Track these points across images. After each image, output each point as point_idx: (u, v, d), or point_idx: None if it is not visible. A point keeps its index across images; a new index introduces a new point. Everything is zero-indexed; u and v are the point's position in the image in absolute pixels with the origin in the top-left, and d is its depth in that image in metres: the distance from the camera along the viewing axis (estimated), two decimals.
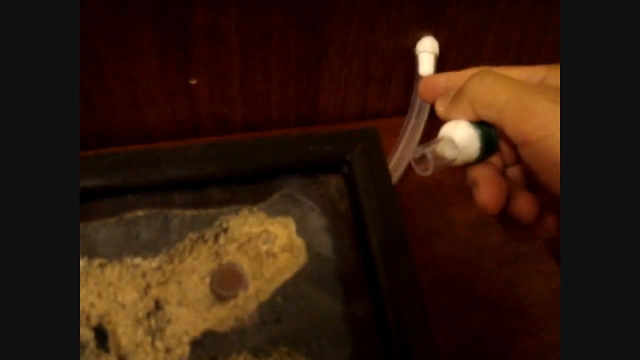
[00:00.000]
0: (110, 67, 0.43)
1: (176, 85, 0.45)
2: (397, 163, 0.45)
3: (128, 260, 0.28)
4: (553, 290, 0.40)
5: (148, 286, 0.28)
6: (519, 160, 0.25)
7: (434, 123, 0.50)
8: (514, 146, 0.23)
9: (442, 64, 0.47)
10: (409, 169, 0.46)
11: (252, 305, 0.27)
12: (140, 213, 0.29)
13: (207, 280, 0.28)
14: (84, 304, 0.28)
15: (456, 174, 0.47)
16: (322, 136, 0.30)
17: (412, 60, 0.47)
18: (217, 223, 0.29)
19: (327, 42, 0.45)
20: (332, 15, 0.43)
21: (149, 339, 0.27)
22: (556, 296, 0.40)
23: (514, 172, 0.27)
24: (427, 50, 0.45)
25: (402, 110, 0.49)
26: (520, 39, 0.49)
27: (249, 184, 0.29)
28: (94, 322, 0.27)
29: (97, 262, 0.28)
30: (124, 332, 0.27)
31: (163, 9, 0.40)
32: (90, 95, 0.44)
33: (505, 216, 0.25)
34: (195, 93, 0.45)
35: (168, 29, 0.41)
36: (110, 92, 0.44)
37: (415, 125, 0.45)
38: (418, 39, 0.46)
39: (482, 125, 0.24)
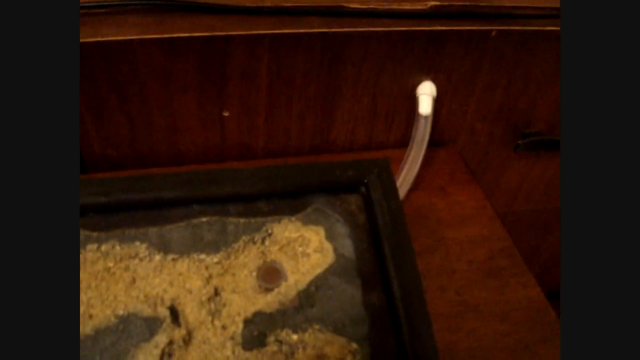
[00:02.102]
0: (155, 98, 0.53)
1: (210, 116, 0.55)
2: (398, 188, 0.56)
3: (195, 255, 0.38)
4: (529, 298, 0.50)
5: (210, 276, 0.38)
6: None
7: (432, 154, 0.61)
8: None
9: (439, 104, 0.59)
10: (409, 194, 0.57)
11: (292, 293, 0.37)
12: (204, 219, 0.39)
13: (255, 273, 0.38)
14: (158, 290, 0.37)
15: (449, 199, 0.58)
16: (346, 164, 0.41)
17: (413, 101, 0.58)
18: (264, 229, 0.39)
19: (342, 83, 0.55)
20: (347, 62, 0.54)
21: (210, 318, 0.37)
22: (532, 303, 0.50)
23: None
24: (426, 92, 0.56)
25: (403, 142, 0.60)
26: (507, 83, 0.60)
27: (289, 199, 0.40)
28: (167, 303, 0.37)
29: (170, 256, 0.38)
30: (191, 312, 0.37)
31: (206, 52, 0.51)
32: (135, 122, 0.55)
33: None
34: (226, 123, 0.56)
35: (209, 68, 0.52)
36: (153, 120, 0.55)
37: (415, 156, 0.56)
38: (419, 82, 0.57)
39: None
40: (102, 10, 0.52)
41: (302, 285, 0.38)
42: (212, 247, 0.38)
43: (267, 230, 0.39)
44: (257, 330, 0.36)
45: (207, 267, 0.38)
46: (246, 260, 0.38)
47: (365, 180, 0.40)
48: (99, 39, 0.49)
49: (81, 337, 0.35)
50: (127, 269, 0.37)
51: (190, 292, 0.37)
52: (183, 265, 0.38)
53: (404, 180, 0.56)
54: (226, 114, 0.55)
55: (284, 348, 0.36)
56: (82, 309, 0.36)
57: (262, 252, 0.39)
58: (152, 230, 0.38)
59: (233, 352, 0.36)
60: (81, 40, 0.48)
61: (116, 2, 0.52)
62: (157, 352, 0.35)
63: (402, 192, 0.56)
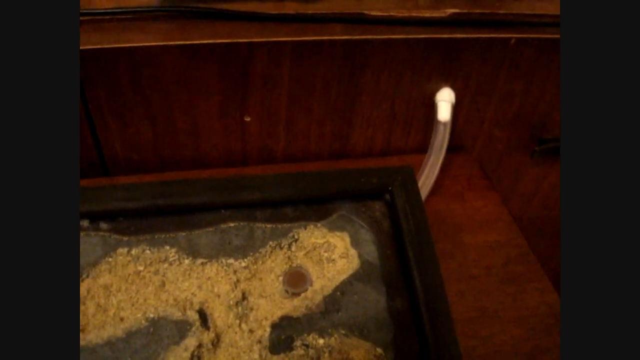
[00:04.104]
0: (178, 103, 0.54)
1: (232, 121, 0.56)
2: None
3: (223, 260, 0.39)
4: (547, 303, 0.51)
5: (238, 281, 0.39)
6: None
7: (450, 160, 0.62)
8: None
9: (458, 111, 0.59)
10: (428, 199, 0.57)
11: (318, 298, 0.38)
12: (232, 224, 0.40)
13: (281, 278, 0.39)
14: (187, 293, 0.38)
15: (466, 205, 0.58)
16: (370, 171, 0.42)
17: (431, 107, 0.59)
18: (290, 234, 0.40)
19: (361, 89, 0.56)
20: (367, 68, 0.55)
21: (238, 322, 0.38)
22: (549, 309, 0.51)
23: None
24: (445, 99, 0.57)
25: (422, 148, 0.61)
26: (524, 90, 0.61)
27: (315, 205, 0.41)
28: (196, 307, 0.38)
29: (199, 261, 0.39)
30: (219, 315, 0.38)
31: (229, 58, 0.52)
32: (158, 126, 0.55)
33: None
34: (247, 128, 0.57)
35: (231, 74, 0.53)
36: (175, 124, 0.56)
37: (433, 162, 0.57)
38: (437, 89, 0.58)
39: None
40: (127, 17, 0.53)
41: (327, 290, 0.38)
42: (240, 252, 0.39)
43: (293, 236, 0.40)
44: (284, 334, 0.37)
45: (235, 272, 0.39)
46: (273, 265, 0.39)
47: (390, 188, 0.41)
48: (124, 45, 0.50)
49: (112, 339, 0.36)
50: (156, 272, 0.38)
51: (218, 296, 0.38)
52: (211, 269, 0.39)
53: (423, 185, 0.57)
54: (248, 119, 0.56)
55: (311, 352, 0.37)
56: (112, 311, 0.37)
57: (289, 258, 0.39)
58: (181, 235, 0.39)
59: (260, 356, 0.37)
60: (106, 46, 0.49)
61: (140, 9, 0.53)
62: (186, 355, 0.36)
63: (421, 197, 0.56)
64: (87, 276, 0.38)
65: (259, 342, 0.37)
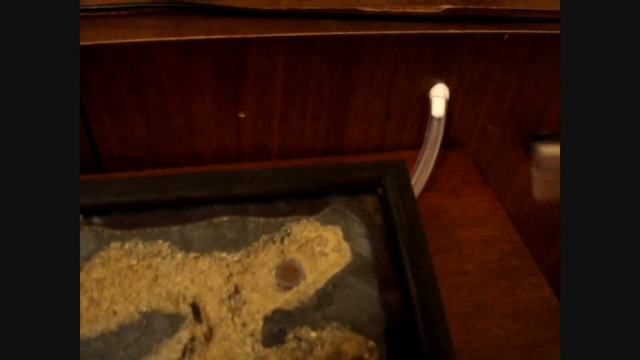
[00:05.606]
0: (173, 99, 0.54)
1: (227, 117, 0.56)
2: None
3: (216, 254, 0.39)
4: (541, 298, 0.51)
5: (230, 274, 0.39)
6: None
7: (444, 156, 0.62)
8: None
9: (452, 107, 0.60)
10: (422, 195, 0.57)
11: (311, 291, 0.38)
12: (224, 218, 0.40)
13: (274, 272, 0.39)
14: (180, 287, 0.38)
15: (461, 200, 0.59)
16: (363, 165, 0.42)
17: (426, 103, 0.59)
18: (283, 228, 0.40)
19: (356, 85, 0.56)
20: (361, 64, 0.55)
21: (230, 315, 0.38)
22: (543, 303, 0.51)
23: None
24: (439, 95, 0.57)
25: (416, 144, 0.61)
26: (518, 86, 0.61)
27: (307, 199, 0.41)
28: (189, 300, 0.38)
29: (192, 255, 0.39)
30: (212, 309, 0.38)
31: (223, 54, 0.52)
32: (152, 122, 0.56)
33: None
34: (242, 124, 0.57)
35: (225, 70, 0.53)
36: (170, 121, 0.56)
37: (427, 157, 0.57)
38: (432, 85, 0.58)
39: None
40: (122, 13, 0.53)
41: (320, 284, 0.39)
42: (233, 246, 0.39)
43: (286, 230, 0.40)
44: (276, 328, 0.37)
45: (227, 266, 0.39)
46: (266, 259, 0.39)
47: (382, 182, 0.41)
48: (118, 40, 0.50)
49: (105, 333, 0.36)
50: (149, 266, 0.38)
51: (211, 289, 0.38)
52: (204, 263, 0.39)
53: (417, 181, 0.57)
54: (242, 115, 0.56)
55: (303, 345, 0.37)
56: (105, 305, 0.37)
57: (281, 251, 0.40)
58: (174, 229, 0.39)
59: (253, 349, 0.37)
60: (100, 42, 0.50)
61: (134, 5, 0.53)
62: (179, 347, 0.36)
63: (415, 193, 0.57)
64: (81, 270, 0.38)
65: (252, 335, 0.37)
